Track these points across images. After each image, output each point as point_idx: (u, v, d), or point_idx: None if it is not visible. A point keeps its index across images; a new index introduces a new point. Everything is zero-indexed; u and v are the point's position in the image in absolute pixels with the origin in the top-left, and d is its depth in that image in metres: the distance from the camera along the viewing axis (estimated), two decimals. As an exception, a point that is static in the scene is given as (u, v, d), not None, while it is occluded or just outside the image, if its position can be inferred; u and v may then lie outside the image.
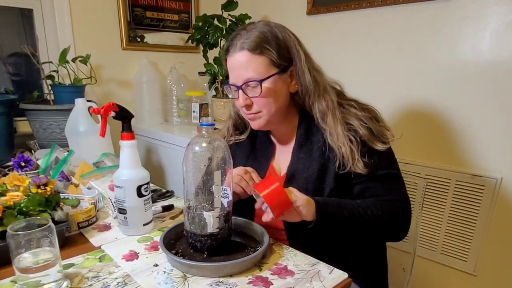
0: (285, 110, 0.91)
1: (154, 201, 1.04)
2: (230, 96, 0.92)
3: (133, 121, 0.86)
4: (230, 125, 1.05)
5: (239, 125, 1.04)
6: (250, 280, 0.67)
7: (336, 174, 0.86)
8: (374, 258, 0.98)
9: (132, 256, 0.75)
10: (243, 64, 0.84)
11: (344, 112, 0.87)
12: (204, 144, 0.72)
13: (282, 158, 0.97)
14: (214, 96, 1.77)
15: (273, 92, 0.85)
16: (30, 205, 0.76)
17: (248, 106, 0.87)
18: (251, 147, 1.02)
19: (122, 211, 0.83)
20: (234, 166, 0.89)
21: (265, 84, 0.84)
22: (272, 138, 1.01)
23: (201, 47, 1.78)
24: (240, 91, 0.85)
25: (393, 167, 0.88)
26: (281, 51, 0.84)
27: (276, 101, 0.86)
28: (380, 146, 0.84)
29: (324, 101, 0.87)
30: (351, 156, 0.82)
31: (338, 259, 0.78)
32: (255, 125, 0.91)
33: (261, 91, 0.83)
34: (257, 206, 0.81)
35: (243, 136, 1.03)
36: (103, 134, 0.84)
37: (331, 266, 0.72)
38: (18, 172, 1.08)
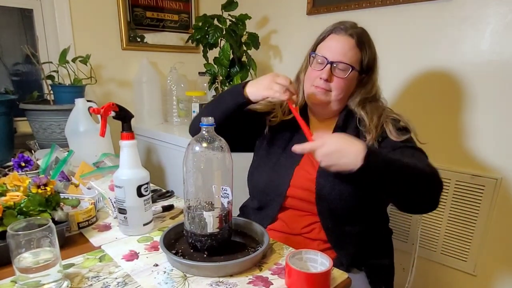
0: (343, 103, 1.00)
1: (154, 201, 1.04)
2: (311, 64, 0.98)
3: (133, 121, 0.86)
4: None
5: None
6: (250, 280, 0.67)
7: None
8: (384, 253, 1.02)
9: (132, 256, 0.75)
10: (345, 47, 0.93)
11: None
12: (204, 144, 0.72)
13: None
14: (214, 96, 1.77)
15: (349, 82, 0.95)
16: (30, 205, 0.76)
17: (326, 81, 0.94)
18: (293, 129, 1.03)
19: (122, 211, 0.83)
20: (276, 144, 1.03)
21: (351, 73, 0.93)
22: (310, 129, 1.03)
23: (201, 47, 1.78)
24: (328, 65, 0.93)
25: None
26: (370, 59, 0.96)
27: (346, 91, 0.96)
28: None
29: (369, 105, 0.98)
30: (387, 128, 0.92)
31: (354, 247, 0.91)
32: (316, 98, 0.97)
33: (347, 75, 0.93)
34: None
35: (289, 117, 1.05)
36: (103, 134, 0.84)
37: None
38: (18, 172, 1.08)
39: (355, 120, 0.98)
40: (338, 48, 0.93)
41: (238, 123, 0.99)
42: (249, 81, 0.97)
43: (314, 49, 1.00)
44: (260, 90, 0.93)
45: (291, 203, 0.97)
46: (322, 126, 1.04)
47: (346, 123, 1.00)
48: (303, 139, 0.99)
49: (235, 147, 1.08)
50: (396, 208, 0.88)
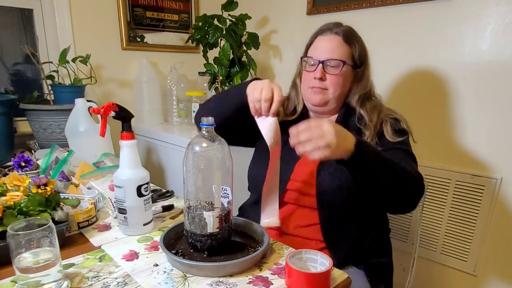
0: (341, 99, 1.01)
1: (154, 201, 1.04)
2: (303, 69, 1.02)
3: (133, 121, 0.87)
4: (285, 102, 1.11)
5: (290, 105, 1.11)
6: (250, 280, 0.67)
7: None
8: (383, 251, 1.03)
9: (132, 256, 0.75)
10: (332, 45, 0.96)
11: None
12: (204, 144, 0.72)
13: None
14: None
15: (344, 78, 0.97)
16: (30, 205, 0.76)
17: (321, 80, 0.97)
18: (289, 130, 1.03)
19: (122, 211, 0.83)
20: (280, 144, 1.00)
21: (344, 68, 0.96)
22: None
23: (201, 47, 1.78)
24: (320, 65, 0.96)
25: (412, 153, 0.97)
26: (361, 52, 0.99)
27: (342, 87, 0.98)
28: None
29: (368, 103, 1.00)
30: (386, 127, 0.95)
31: (352, 245, 0.92)
32: (316, 98, 0.99)
33: (340, 71, 0.95)
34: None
35: (291, 118, 1.07)
36: (103, 134, 0.84)
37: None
38: (18, 172, 1.08)
39: (354, 117, 1.00)
40: (326, 47, 0.96)
41: (241, 118, 0.99)
42: (256, 79, 0.97)
43: (305, 54, 1.03)
44: (251, 94, 0.91)
45: (290, 196, 0.99)
46: None
47: (346, 119, 1.01)
48: None
49: (236, 141, 1.10)
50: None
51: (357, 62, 0.99)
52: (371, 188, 0.85)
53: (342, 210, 0.94)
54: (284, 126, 1.04)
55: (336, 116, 1.03)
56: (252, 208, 1.05)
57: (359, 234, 0.96)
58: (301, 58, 1.03)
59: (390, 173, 0.80)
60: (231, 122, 0.99)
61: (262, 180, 0.99)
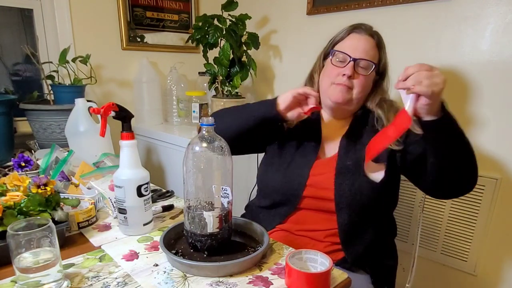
0: (361, 102, 1.00)
1: (154, 201, 1.04)
2: (332, 61, 0.98)
3: (133, 121, 0.86)
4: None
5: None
6: (250, 280, 0.67)
7: (388, 153, 0.92)
8: (389, 254, 1.03)
9: (132, 256, 0.75)
10: (367, 46, 0.95)
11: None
12: (204, 144, 0.72)
13: (328, 148, 1.02)
14: (214, 96, 1.77)
15: (369, 80, 0.97)
16: (30, 205, 0.76)
17: (349, 78, 0.94)
18: (304, 131, 1.04)
19: (122, 211, 0.83)
20: (290, 144, 1.02)
21: (372, 72, 0.95)
22: (322, 128, 1.04)
23: (201, 47, 1.78)
24: (351, 62, 0.94)
25: None
26: (385, 62, 1.00)
27: (367, 89, 0.98)
28: None
29: (385, 103, 1.00)
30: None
31: (362, 246, 0.92)
32: (339, 95, 0.96)
33: (369, 72, 0.95)
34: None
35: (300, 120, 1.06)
36: (103, 134, 0.84)
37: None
38: (18, 172, 1.08)
39: (371, 119, 0.99)
40: (361, 46, 0.94)
41: (261, 130, 0.99)
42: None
43: (331, 47, 1.00)
44: (288, 94, 0.93)
45: (307, 202, 0.97)
46: (336, 125, 1.03)
47: (362, 122, 1.00)
48: (313, 142, 1.01)
49: (248, 150, 1.09)
50: (430, 191, 0.90)
51: (380, 70, 0.99)
52: (442, 160, 0.82)
53: (360, 214, 0.92)
54: (296, 128, 1.04)
55: (349, 120, 1.02)
56: (266, 212, 1.04)
57: (374, 238, 0.95)
58: (331, 51, 0.98)
59: (464, 143, 0.81)
60: (249, 133, 0.98)
61: (279, 188, 0.98)
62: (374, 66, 0.94)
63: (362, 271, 0.96)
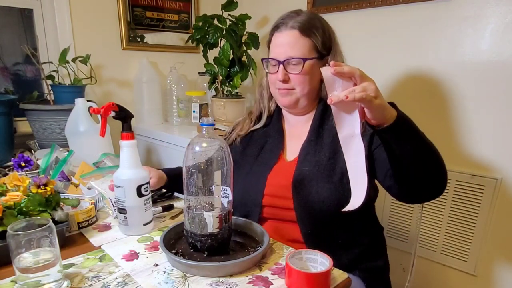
0: (313, 95, 0.96)
1: (154, 201, 1.04)
2: (266, 70, 0.97)
3: (133, 121, 0.87)
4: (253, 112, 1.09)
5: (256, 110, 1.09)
6: (250, 280, 0.67)
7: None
8: (377, 253, 0.99)
9: (132, 256, 0.75)
10: (290, 41, 0.90)
11: None
12: (204, 144, 0.72)
13: (293, 147, 0.99)
14: (214, 96, 1.77)
15: (310, 73, 0.91)
16: (30, 205, 0.76)
17: (285, 81, 0.92)
18: (265, 136, 1.03)
19: (122, 211, 0.83)
20: (248, 154, 0.99)
21: (306, 65, 0.89)
22: (285, 127, 1.02)
23: (201, 47, 1.78)
24: (281, 66, 0.91)
25: None
26: (325, 39, 0.92)
27: (310, 83, 0.92)
28: None
29: None
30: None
31: (343, 253, 0.85)
32: (285, 101, 0.95)
33: (302, 69, 0.89)
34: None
35: (258, 126, 1.05)
36: (103, 134, 0.84)
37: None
38: (18, 172, 1.08)
39: (330, 111, 0.91)
40: (284, 45, 0.90)
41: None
42: None
43: (268, 53, 0.97)
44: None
45: (269, 212, 0.94)
46: (300, 121, 1.01)
47: (324, 116, 0.96)
48: (275, 145, 1.00)
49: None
50: (397, 196, 0.84)
51: (323, 51, 0.92)
52: (402, 165, 0.76)
53: (325, 221, 0.88)
54: (252, 135, 1.03)
55: (313, 113, 0.98)
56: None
57: (348, 242, 0.91)
58: (263, 60, 0.96)
59: (425, 145, 0.74)
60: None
61: (240, 199, 0.95)
62: (303, 61, 0.88)
63: (354, 275, 0.91)
